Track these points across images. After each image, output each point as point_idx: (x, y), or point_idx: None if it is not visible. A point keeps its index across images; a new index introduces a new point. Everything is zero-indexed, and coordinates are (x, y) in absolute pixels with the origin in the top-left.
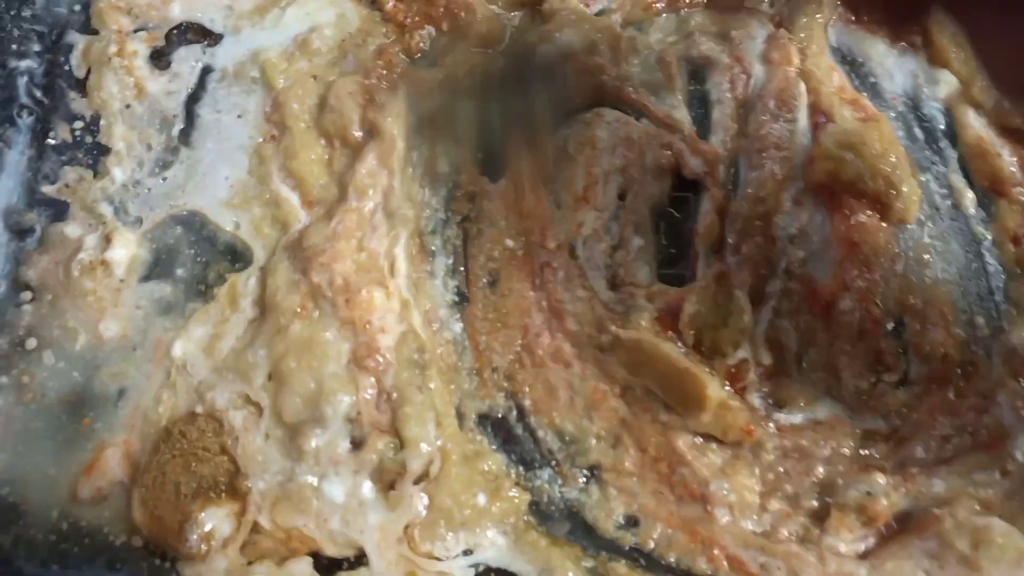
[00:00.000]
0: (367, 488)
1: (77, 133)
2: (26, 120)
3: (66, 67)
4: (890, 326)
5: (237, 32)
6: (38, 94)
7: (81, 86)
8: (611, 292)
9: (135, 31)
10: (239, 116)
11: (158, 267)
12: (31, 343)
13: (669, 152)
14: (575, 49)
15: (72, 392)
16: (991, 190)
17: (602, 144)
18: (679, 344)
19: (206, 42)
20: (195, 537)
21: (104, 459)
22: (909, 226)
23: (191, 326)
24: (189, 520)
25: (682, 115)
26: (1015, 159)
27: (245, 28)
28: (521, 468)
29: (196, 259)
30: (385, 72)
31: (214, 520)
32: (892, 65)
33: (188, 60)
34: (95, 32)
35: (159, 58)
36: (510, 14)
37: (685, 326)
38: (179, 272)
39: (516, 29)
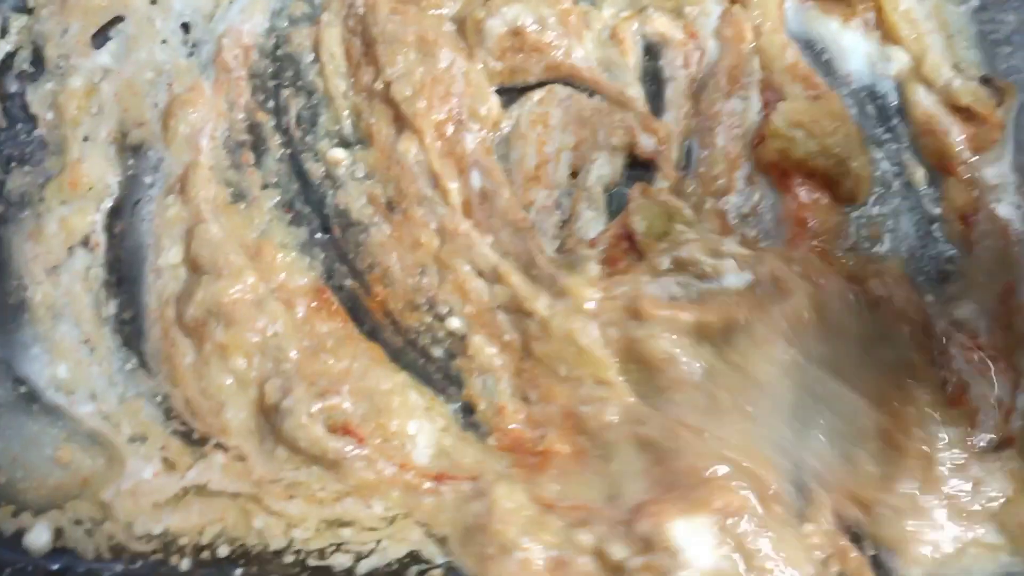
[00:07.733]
0: None
1: None
2: None
3: None
4: None
5: None
6: None
7: None
8: (558, 254)
9: None
10: None
11: None
12: None
13: (622, 130)
14: (523, 25)
15: None
16: (939, 168)
17: (554, 122)
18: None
19: None
20: None
21: None
22: (860, 204)
23: None
24: None
25: (636, 92)
26: (963, 137)
27: None
28: None
29: None
30: None
31: None
32: (846, 42)
33: None
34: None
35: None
36: None
37: (646, 238)
38: None
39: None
